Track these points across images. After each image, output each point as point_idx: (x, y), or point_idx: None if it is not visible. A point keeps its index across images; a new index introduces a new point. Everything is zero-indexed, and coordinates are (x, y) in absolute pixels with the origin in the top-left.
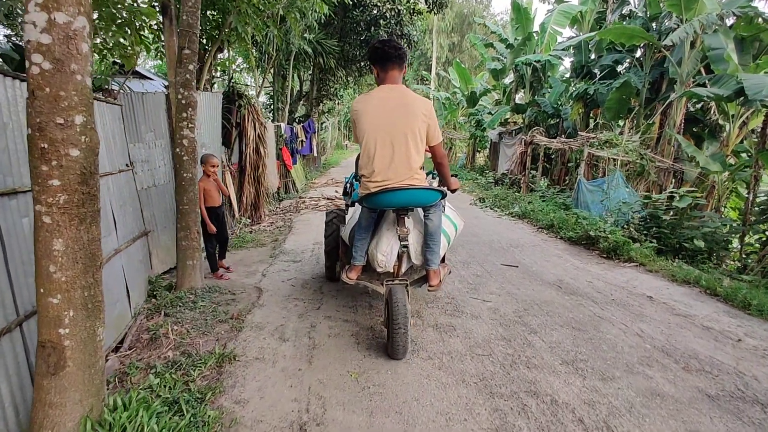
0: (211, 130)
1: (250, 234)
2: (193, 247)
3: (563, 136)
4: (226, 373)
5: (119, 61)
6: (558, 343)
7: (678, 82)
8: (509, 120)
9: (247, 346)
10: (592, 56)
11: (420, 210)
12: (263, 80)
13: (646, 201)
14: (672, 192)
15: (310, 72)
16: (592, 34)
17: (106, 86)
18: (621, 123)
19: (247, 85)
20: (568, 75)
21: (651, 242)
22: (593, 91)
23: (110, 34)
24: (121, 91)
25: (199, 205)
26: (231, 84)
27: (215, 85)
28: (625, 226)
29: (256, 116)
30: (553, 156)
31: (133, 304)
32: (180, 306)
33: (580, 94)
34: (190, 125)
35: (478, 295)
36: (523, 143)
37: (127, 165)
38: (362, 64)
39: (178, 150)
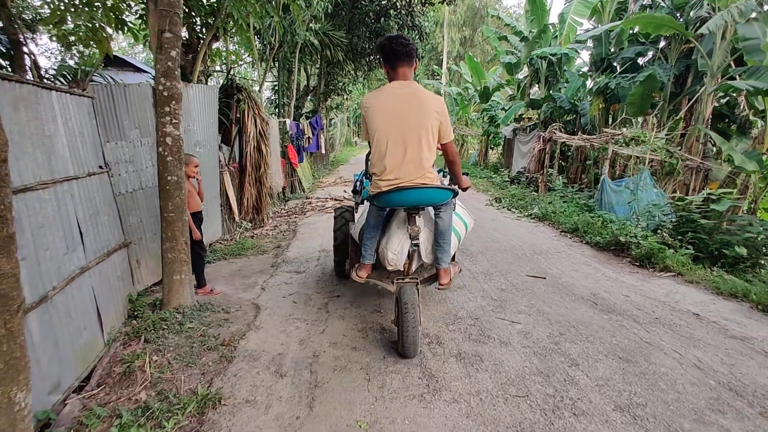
0: (206, 127)
1: (251, 239)
2: (181, 260)
3: (580, 132)
4: (208, 422)
5: (93, 48)
6: (606, 379)
7: (708, 74)
8: (523, 116)
9: (236, 383)
10: (613, 49)
11: (430, 208)
12: (266, 73)
13: (678, 203)
14: (709, 193)
15: (318, 66)
16: (617, 23)
17: (85, 77)
18: (640, 120)
19: (252, 80)
20: (584, 69)
21: (687, 248)
22: (615, 85)
23: (77, 12)
24: (94, 81)
25: (186, 211)
26: (230, 76)
27: (213, 78)
28: (658, 231)
29: (257, 111)
30: (569, 153)
31: (107, 329)
32: (164, 329)
33: (600, 89)
34: (173, 121)
35: (504, 314)
36: (541, 140)
37: (101, 167)
38: (371, 57)
39: (161, 149)
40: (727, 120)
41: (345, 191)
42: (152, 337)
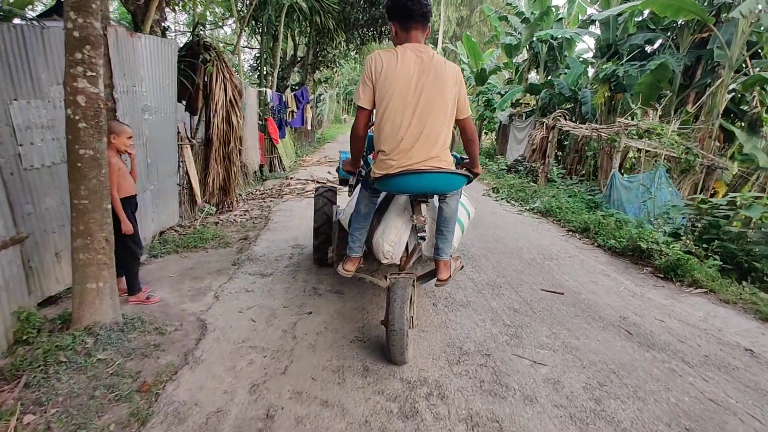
0: (160, 90)
1: (214, 227)
2: (98, 263)
3: (578, 121)
4: None
5: None
6: None
7: (726, 66)
8: (520, 101)
9: None
10: (620, 34)
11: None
12: (241, 31)
13: (701, 205)
14: (734, 196)
15: (306, 35)
16: (632, 3)
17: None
18: (639, 112)
19: (232, 45)
20: (585, 55)
21: (714, 259)
22: (622, 73)
23: None
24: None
25: (111, 194)
26: (196, 32)
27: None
28: (681, 236)
29: (228, 76)
30: (565, 143)
31: None
32: (60, 363)
33: (607, 76)
34: (89, 73)
35: (523, 349)
36: (545, 127)
37: None
38: (365, 30)
39: (70, 112)
40: (732, 116)
41: (329, 172)
42: (37, 378)
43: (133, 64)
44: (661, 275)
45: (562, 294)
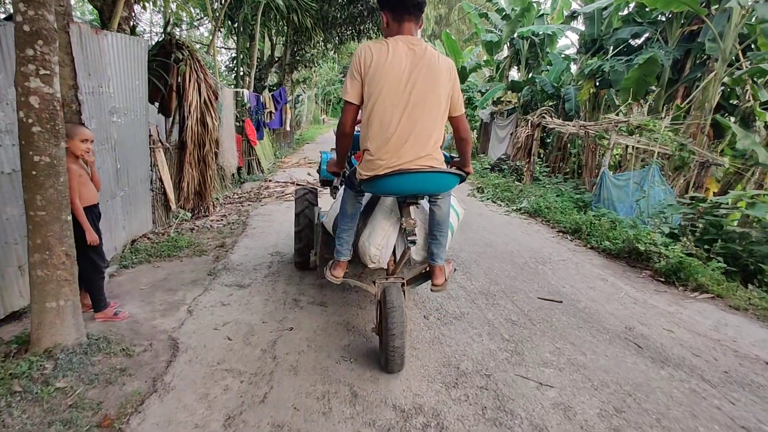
0: (129, 91)
1: (190, 234)
2: (59, 279)
3: (562, 118)
4: None
5: None
6: None
7: (720, 59)
8: (501, 99)
9: None
10: (605, 29)
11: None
12: (216, 30)
13: (699, 204)
14: (740, 194)
15: (284, 35)
16: None
17: None
18: (624, 108)
19: (207, 46)
20: (567, 52)
21: (717, 261)
22: (608, 68)
23: None
24: None
25: (72, 202)
26: (168, 31)
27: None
28: (680, 237)
29: (202, 76)
30: (548, 140)
31: None
32: (16, 393)
33: (593, 71)
34: (42, 71)
35: (526, 368)
36: (529, 125)
37: None
38: (343, 28)
39: (22, 115)
40: (722, 111)
41: (309, 174)
42: None
43: (99, 64)
44: (662, 279)
45: (561, 302)
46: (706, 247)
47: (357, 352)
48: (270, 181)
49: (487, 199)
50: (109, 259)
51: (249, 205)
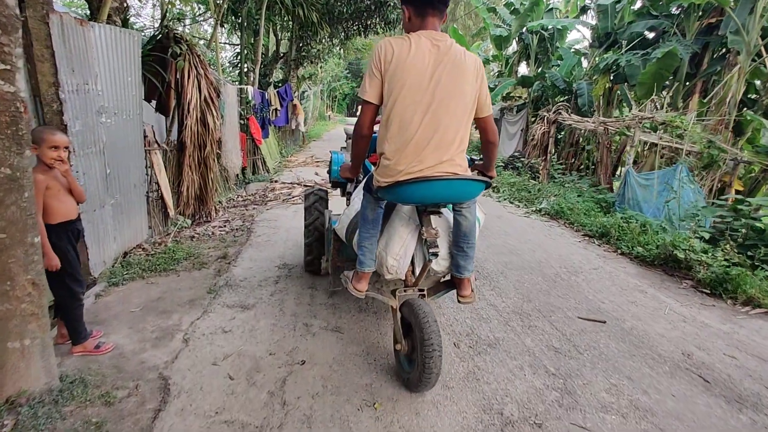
0: (121, 89)
1: (190, 242)
2: (23, 314)
3: (574, 114)
4: None
5: None
6: None
7: (744, 52)
8: (511, 94)
9: None
10: (619, 22)
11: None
12: (217, 23)
13: (737, 206)
14: None
15: (289, 29)
16: None
17: None
18: (633, 104)
19: (205, 39)
20: (577, 46)
21: (763, 269)
22: (625, 62)
23: None
24: None
25: (37, 222)
26: (165, 23)
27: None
28: (719, 242)
29: (203, 71)
30: (559, 136)
31: None
32: None
33: (608, 66)
34: (1, 66)
35: (582, 413)
36: (545, 121)
37: None
38: (349, 23)
39: None
40: (741, 106)
41: (316, 173)
42: None
43: (84, 59)
44: (707, 291)
45: (604, 323)
46: (749, 254)
47: (381, 394)
48: (276, 182)
49: (504, 199)
50: (97, 275)
51: (254, 209)
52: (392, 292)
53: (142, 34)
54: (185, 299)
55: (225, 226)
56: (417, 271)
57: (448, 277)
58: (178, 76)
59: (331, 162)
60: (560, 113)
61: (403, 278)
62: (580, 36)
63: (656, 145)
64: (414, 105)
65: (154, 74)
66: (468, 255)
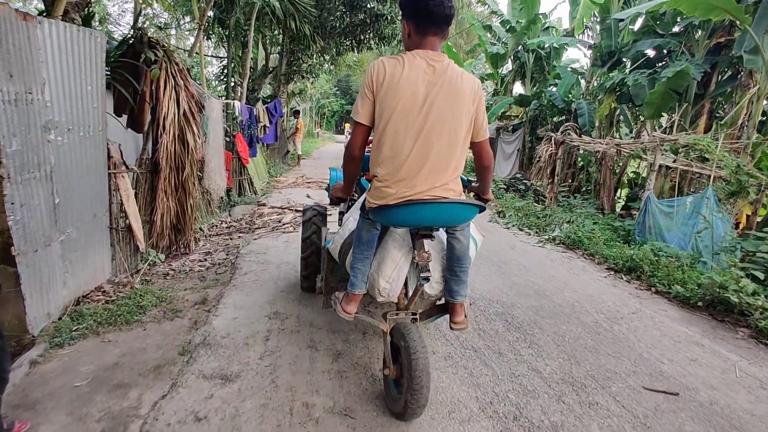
0: (77, 100)
1: (162, 281)
2: None
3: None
4: None
5: None
6: None
7: (764, 71)
8: (506, 114)
9: None
10: (622, 40)
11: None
12: (200, 30)
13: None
14: None
15: (279, 43)
16: (653, 3)
17: None
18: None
19: (205, 56)
20: (574, 65)
21: None
22: (632, 82)
23: None
24: None
25: None
26: (139, 27)
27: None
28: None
29: (183, 81)
30: (557, 158)
31: None
32: None
33: (614, 85)
34: None
35: None
36: (552, 142)
37: None
38: (342, 38)
39: None
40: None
41: (308, 196)
42: None
43: (28, 61)
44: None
45: (677, 395)
46: None
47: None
48: (264, 205)
49: (513, 225)
50: (38, 333)
51: (239, 237)
52: (383, 315)
53: (109, 36)
54: (150, 365)
55: (205, 259)
56: (410, 294)
57: (443, 301)
58: (153, 88)
59: (330, 179)
60: (568, 134)
61: (396, 301)
62: (574, 55)
63: (669, 168)
64: (405, 128)
65: (125, 84)
66: (461, 279)
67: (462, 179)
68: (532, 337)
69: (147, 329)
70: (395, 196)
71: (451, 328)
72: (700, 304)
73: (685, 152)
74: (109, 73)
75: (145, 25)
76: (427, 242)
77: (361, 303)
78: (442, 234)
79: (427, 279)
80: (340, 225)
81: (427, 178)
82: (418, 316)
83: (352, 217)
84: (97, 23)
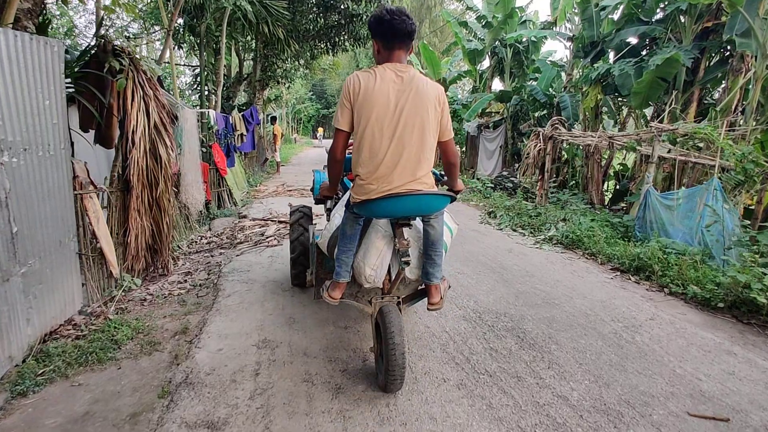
0: (33, 116)
1: (141, 308)
2: None
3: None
4: None
5: None
6: None
7: (759, 55)
8: (487, 110)
9: None
10: (605, 30)
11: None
12: (168, 35)
13: None
14: None
15: (253, 49)
16: None
17: None
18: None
19: (151, 59)
20: (552, 57)
21: None
22: (618, 71)
23: None
24: None
25: None
26: (102, 34)
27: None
28: None
29: (152, 91)
30: (540, 152)
31: None
32: None
33: (600, 75)
34: None
35: None
36: (541, 138)
37: None
38: (316, 41)
39: None
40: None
41: (290, 205)
42: None
43: None
44: None
45: (728, 421)
46: None
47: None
48: (245, 217)
49: (505, 226)
50: None
51: (221, 254)
52: (369, 300)
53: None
54: (125, 413)
55: (186, 281)
56: (396, 280)
57: (423, 286)
58: (122, 99)
59: (314, 180)
60: (557, 128)
61: (381, 287)
62: (551, 48)
63: (662, 159)
64: (380, 132)
65: (90, 97)
66: (436, 263)
67: (435, 174)
68: (551, 356)
69: (122, 367)
70: (376, 191)
71: (428, 308)
72: (721, 305)
73: (683, 142)
74: (72, 86)
75: (111, 35)
76: (406, 230)
77: (349, 292)
78: (419, 224)
79: (407, 263)
80: (327, 221)
81: (402, 174)
82: (401, 300)
83: (338, 214)
84: (63, 35)
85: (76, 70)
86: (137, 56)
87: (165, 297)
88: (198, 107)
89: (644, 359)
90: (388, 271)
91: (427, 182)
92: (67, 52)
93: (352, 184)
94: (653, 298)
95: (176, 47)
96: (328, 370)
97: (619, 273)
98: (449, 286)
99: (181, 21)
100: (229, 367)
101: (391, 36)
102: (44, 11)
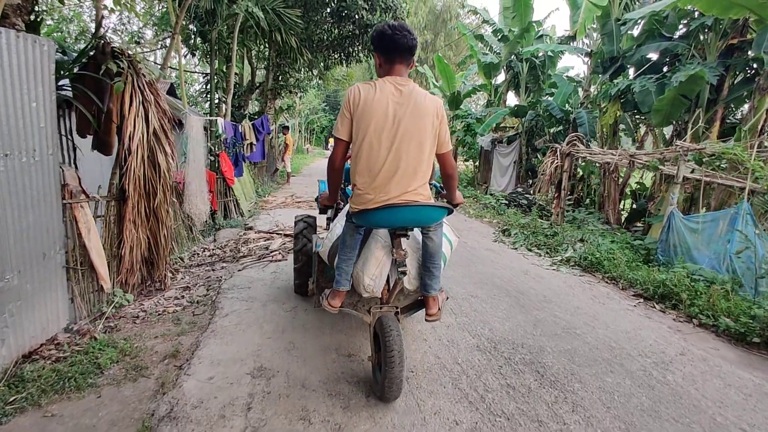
0: (15, 120)
1: (132, 326)
2: None
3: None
4: None
5: None
6: None
7: None
8: (502, 125)
9: None
10: (625, 45)
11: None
12: (174, 38)
13: None
14: None
15: (265, 58)
16: (664, 2)
17: None
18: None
19: (153, 63)
20: (569, 73)
21: None
22: (639, 88)
23: None
24: None
25: None
26: (100, 35)
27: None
28: None
29: (152, 96)
30: (556, 169)
31: None
32: None
33: (620, 92)
34: None
35: None
36: (558, 154)
37: None
38: (330, 51)
39: None
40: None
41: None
42: None
43: None
44: None
45: None
46: None
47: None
48: (251, 229)
49: (520, 245)
50: None
51: (223, 268)
52: (368, 310)
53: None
54: None
55: (183, 296)
56: (394, 291)
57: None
58: (121, 104)
59: (319, 190)
60: (575, 145)
61: (380, 296)
62: (569, 64)
63: (685, 179)
64: (379, 143)
65: (87, 101)
66: (433, 274)
67: (435, 186)
68: (574, 396)
69: (102, 396)
70: (374, 201)
71: (425, 319)
72: (756, 340)
73: (710, 162)
74: (69, 88)
75: (106, 32)
76: (404, 241)
77: (349, 301)
78: (419, 236)
79: (404, 273)
80: (327, 229)
81: (399, 184)
82: (399, 310)
83: (339, 224)
84: (74, 39)
85: (72, 72)
86: (137, 59)
87: (159, 314)
88: (207, 115)
89: (679, 404)
90: (387, 281)
91: (424, 193)
92: (65, 53)
93: (351, 194)
94: (681, 329)
95: (189, 54)
96: (327, 406)
97: (642, 300)
98: (447, 298)
99: (193, 27)
100: (219, 400)
101: (392, 50)
102: (35, 8)
